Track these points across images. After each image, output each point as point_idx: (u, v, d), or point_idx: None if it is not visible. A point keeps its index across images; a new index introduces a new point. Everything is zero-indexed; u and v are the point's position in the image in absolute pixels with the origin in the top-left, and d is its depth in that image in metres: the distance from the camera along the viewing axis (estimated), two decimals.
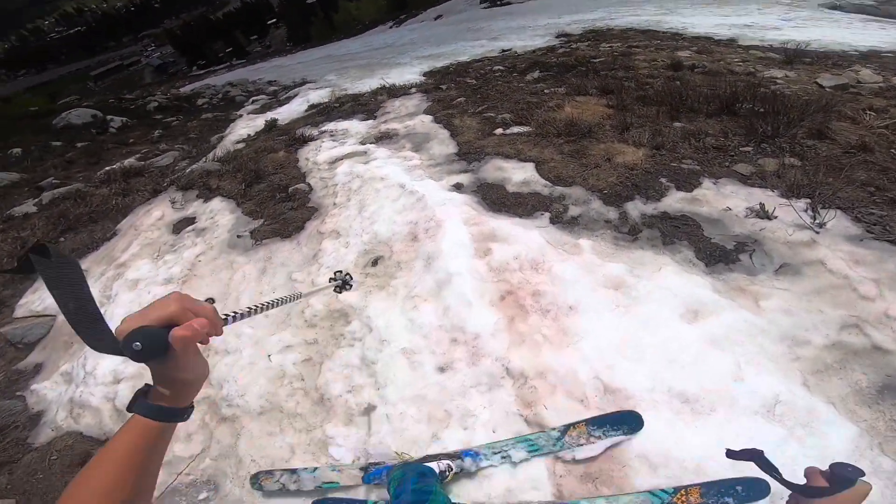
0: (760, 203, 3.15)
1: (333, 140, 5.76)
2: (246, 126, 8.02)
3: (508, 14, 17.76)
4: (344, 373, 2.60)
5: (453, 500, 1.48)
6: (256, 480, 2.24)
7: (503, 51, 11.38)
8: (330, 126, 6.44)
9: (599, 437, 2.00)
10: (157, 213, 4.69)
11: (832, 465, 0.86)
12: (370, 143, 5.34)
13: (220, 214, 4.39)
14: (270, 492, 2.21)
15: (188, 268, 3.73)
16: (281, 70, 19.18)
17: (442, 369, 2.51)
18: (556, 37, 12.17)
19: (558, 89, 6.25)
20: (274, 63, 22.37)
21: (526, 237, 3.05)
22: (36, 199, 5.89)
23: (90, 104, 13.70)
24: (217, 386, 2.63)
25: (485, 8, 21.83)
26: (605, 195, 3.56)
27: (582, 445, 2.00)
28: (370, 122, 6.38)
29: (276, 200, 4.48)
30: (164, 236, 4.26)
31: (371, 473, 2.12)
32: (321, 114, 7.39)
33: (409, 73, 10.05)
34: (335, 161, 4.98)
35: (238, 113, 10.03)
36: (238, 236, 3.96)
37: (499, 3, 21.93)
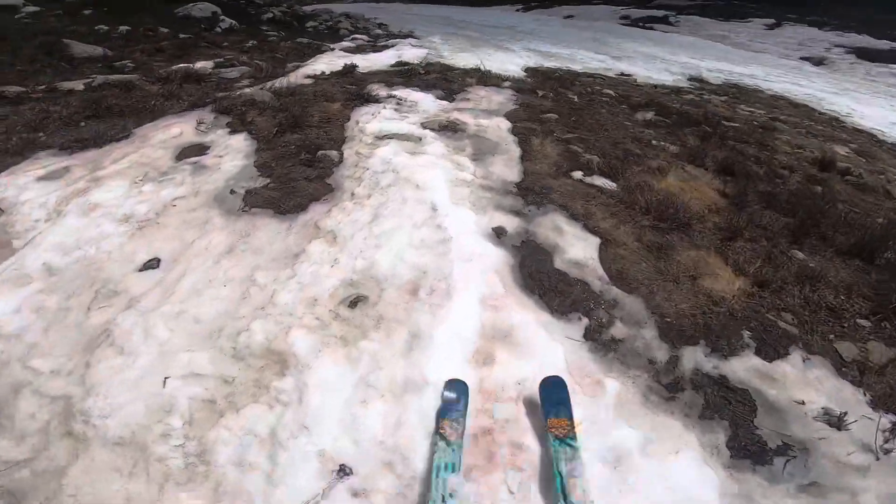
0: (843, 412, 2.15)
1: (396, 110, 4.95)
2: (328, 62, 7.33)
3: (647, 38, 16.00)
4: (243, 439, 1.88)
5: None
6: None
7: (622, 74, 10.06)
8: (402, 93, 5.63)
9: None
10: (176, 130, 4.09)
11: None
12: (430, 130, 4.48)
13: (231, 155, 3.73)
14: None
15: (157, 210, 3.09)
16: (397, 16, 18.38)
17: (356, 494, 1.74)
18: (689, 79, 10.64)
19: (669, 145, 5.11)
20: (394, 6, 21.60)
21: (545, 353, 2.17)
22: (88, 80, 5.48)
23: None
24: (85, 391, 1.98)
25: (624, 24, 19.93)
26: (666, 325, 2.57)
27: None
28: (445, 103, 5.50)
29: (298, 161, 3.75)
30: (162, 159, 3.65)
31: None
32: (402, 75, 6.57)
33: (512, 64, 9.00)
34: (383, 137, 4.18)
35: (331, 46, 9.36)
36: (231, 191, 3.27)
37: (642, 24, 19.94)
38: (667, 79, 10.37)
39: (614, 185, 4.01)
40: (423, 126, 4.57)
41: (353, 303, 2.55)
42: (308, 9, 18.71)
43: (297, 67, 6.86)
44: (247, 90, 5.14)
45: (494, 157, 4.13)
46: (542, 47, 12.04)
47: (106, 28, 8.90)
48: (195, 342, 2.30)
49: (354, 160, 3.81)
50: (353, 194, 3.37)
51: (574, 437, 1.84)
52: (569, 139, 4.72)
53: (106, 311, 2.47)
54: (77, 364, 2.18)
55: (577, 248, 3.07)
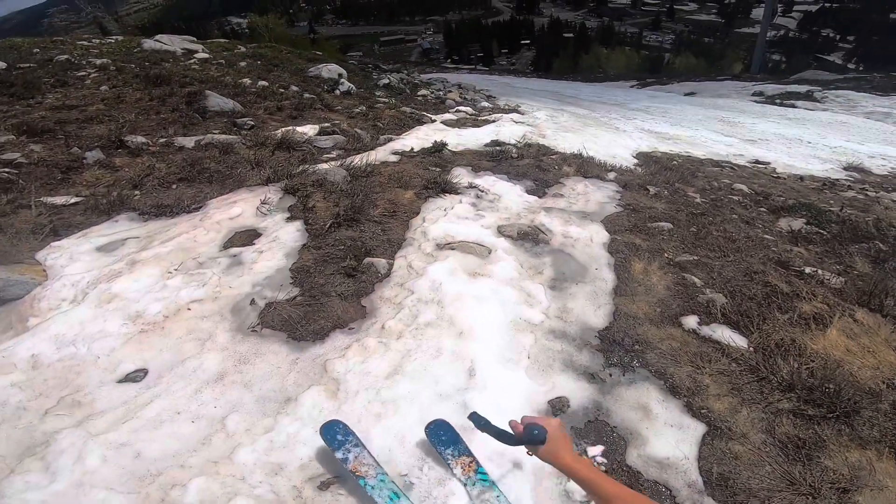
0: None
1: (474, 205, 4.25)
2: (422, 137, 7.07)
3: (786, 118, 13.73)
4: None
5: None
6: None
7: (757, 162, 8.36)
8: (487, 181, 4.95)
9: None
10: (237, 210, 3.83)
11: (525, 423, 1.16)
12: (505, 238, 3.66)
13: (274, 251, 3.27)
14: None
15: (169, 312, 2.64)
16: (508, 89, 18.53)
17: None
18: (845, 168, 8.53)
19: (829, 276, 3.62)
20: (507, 79, 21.97)
21: None
22: (200, 137, 5.79)
23: (342, 62, 14.90)
24: None
25: (757, 102, 17.60)
26: None
27: None
28: (533, 198, 4.68)
29: (341, 269, 3.15)
30: (208, 245, 3.32)
31: None
32: (493, 157, 5.94)
33: (622, 147, 7.94)
34: (444, 246, 3.46)
35: (433, 118, 9.27)
36: (252, 301, 2.75)
37: (779, 102, 17.39)
38: (815, 168, 8.40)
39: (744, 341, 2.75)
40: (499, 231, 3.77)
41: (325, 485, 1.78)
42: (425, 77, 19.71)
43: (389, 140, 6.64)
44: (324, 166, 4.89)
45: (578, 287, 3.14)
46: (657, 127, 10.80)
47: (248, 82, 9.88)
48: (122, 481, 1.76)
49: (403, 276, 3.10)
50: (383, 328, 2.63)
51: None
52: (684, 263, 3.54)
53: (58, 421, 2.04)
54: (2, 468, 1.84)
55: (667, 440, 2.04)
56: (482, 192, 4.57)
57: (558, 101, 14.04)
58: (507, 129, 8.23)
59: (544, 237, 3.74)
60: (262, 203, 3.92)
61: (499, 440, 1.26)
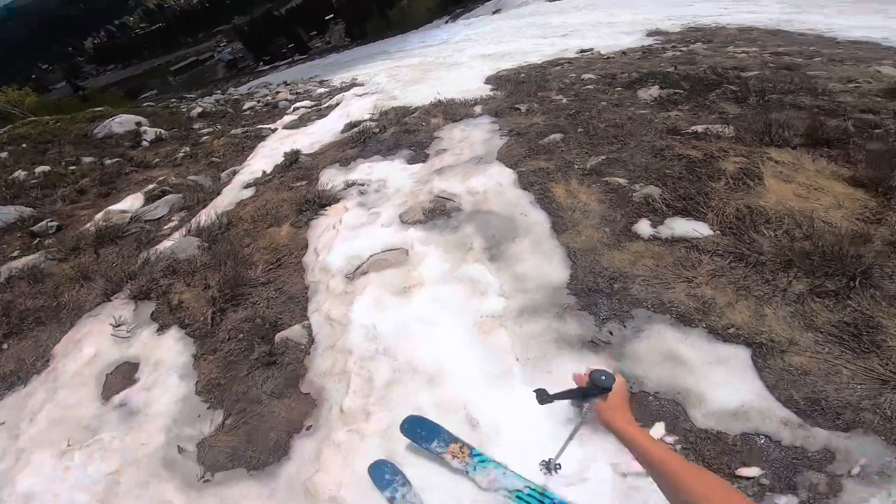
0: None
1: (362, 205, 3.37)
2: (269, 153, 5.77)
3: (578, 8, 14.24)
4: None
5: None
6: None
7: (582, 51, 8.37)
8: (362, 169, 4.05)
9: None
10: (90, 350, 2.56)
11: (591, 371, 1.02)
12: (414, 228, 2.90)
13: (163, 379, 2.18)
14: None
15: (101, 497, 1.62)
16: (336, 67, 16.85)
17: None
18: (649, 34, 8.94)
19: (717, 128, 3.47)
20: (330, 59, 20.03)
21: None
22: None
23: (136, 108, 12.05)
24: None
25: (551, 1, 18.08)
26: None
27: None
28: (418, 167, 3.90)
29: (254, 362, 2.18)
30: (85, 405, 2.12)
31: None
32: (356, 142, 4.98)
33: (470, 79, 7.37)
34: (355, 273, 2.60)
35: (272, 127, 7.77)
36: (179, 449, 1.76)
37: None
38: (627, 42, 8.66)
39: (706, 226, 2.41)
40: (403, 222, 2.98)
41: None
42: (243, 89, 17.18)
43: (234, 174, 5.28)
44: (167, 243, 3.57)
45: (517, 245, 2.53)
46: (488, 50, 10.40)
47: (23, 174, 7.34)
48: None
49: (328, 337, 2.21)
50: (342, 411, 1.80)
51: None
52: (597, 168, 3.11)
53: None
54: None
55: (721, 383, 1.67)
56: (363, 185, 3.68)
57: (390, 59, 12.99)
58: (355, 107, 7.17)
59: (453, 204, 3.04)
60: (115, 327, 2.65)
61: (570, 400, 1.09)
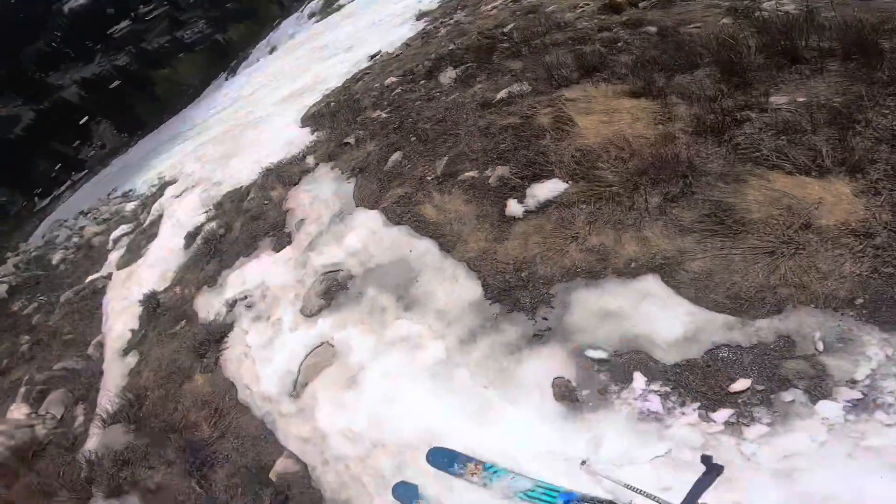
0: None
1: (258, 319, 3.04)
2: (121, 307, 4.84)
3: (347, 17, 14.27)
4: None
5: None
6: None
7: (372, 57, 8.48)
8: (235, 282, 3.63)
9: None
10: None
11: None
12: (321, 318, 2.72)
13: None
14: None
15: None
16: (131, 171, 14.58)
17: None
18: (418, 18, 9.37)
19: (514, 87, 3.85)
20: (118, 164, 17.24)
21: None
22: None
23: None
24: None
25: (317, 21, 17.71)
26: None
27: None
28: (287, 251, 3.62)
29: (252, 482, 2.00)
30: None
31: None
32: (209, 254, 4.41)
33: (285, 130, 6.98)
34: (296, 388, 2.38)
35: (103, 275, 6.48)
36: None
37: (329, 9, 17.86)
38: (405, 32, 8.83)
39: (559, 182, 2.69)
40: (308, 316, 2.77)
41: None
42: (37, 239, 14.05)
43: (101, 346, 4.31)
44: (94, 439, 2.98)
45: (421, 283, 2.54)
46: (286, 90, 9.94)
47: None
48: None
49: (317, 455, 2.07)
50: None
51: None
52: (448, 171, 3.22)
53: None
54: None
55: (660, 315, 1.94)
56: (245, 297, 3.30)
57: (189, 140, 11.65)
58: (182, 211, 6.31)
59: (344, 274, 2.91)
60: None
61: None
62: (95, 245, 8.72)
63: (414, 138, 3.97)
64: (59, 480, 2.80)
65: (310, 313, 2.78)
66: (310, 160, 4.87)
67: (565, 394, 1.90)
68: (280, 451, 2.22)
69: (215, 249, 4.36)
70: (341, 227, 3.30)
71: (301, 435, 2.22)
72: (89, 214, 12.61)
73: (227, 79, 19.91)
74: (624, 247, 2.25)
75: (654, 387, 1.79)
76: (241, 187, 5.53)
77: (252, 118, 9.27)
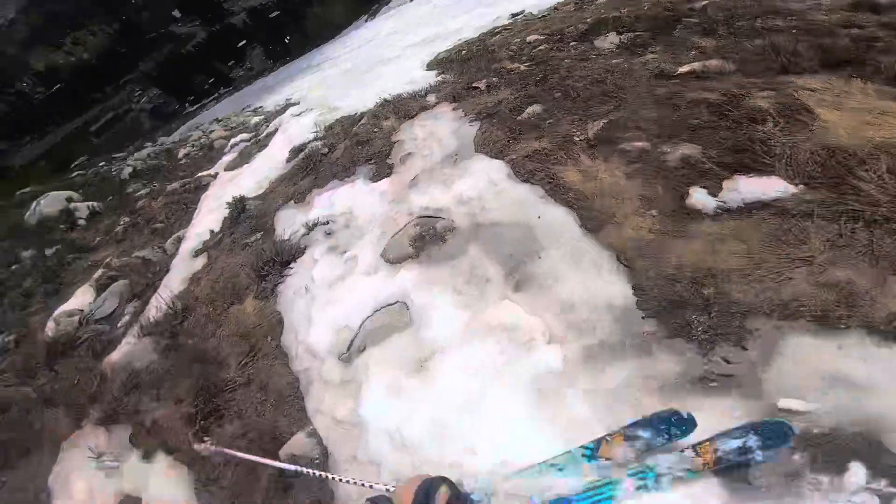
0: None
1: (333, 249, 2.62)
2: (214, 206, 4.86)
3: None
4: None
5: None
6: None
7: (514, 15, 7.61)
8: (323, 203, 3.26)
9: None
10: (83, 487, 2.04)
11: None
12: (404, 268, 2.18)
13: None
14: None
15: None
16: (265, 91, 15.56)
17: None
18: None
19: (712, 63, 2.84)
20: (258, 85, 18.55)
21: None
22: None
23: (64, 182, 10.66)
24: None
25: None
26: None
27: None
28: (385, 183, 3.14)
29: (266, 490, 1.58)
30: None
31: None
32: (306, 170, 4.15)
33: (411, 70, 6.54)
34: (350, 352, 1.88)
35: (212, 172, 6.77)
36: None
37: None
38: (539, 3, 7.93)
39: (781, 181, 1.80)
40: (389, 261, 2.26)
41: None
42: (175, 136, 15.70)
43: (180, 240, 4.38)
44: (124, 348, 2.78)
45: (545, 260, 1.86)
46: (419, 37, 9.51)
47: None
48: None
49: (344, 446, 1.56)
50: None
51: None
52: (604, 135, 2.44)
53: None
54: None
55: None
56: (327, 223, 2.91)
57: (319, 71, 11.93)
58: (296, 128, 6.25)
59: (444, 223, 2.33)
60: (97, 459, 2.08)
61: None
62: (216, 147, 9.27)
63: (559, 94, 3.19)
64: (68, 391, 2.69)
65: (393, 259, 2.25)
66: (431, 98, 4.32)
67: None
68: (302, 424, 1.74)
69: (313, 167, 4.06)
70: (454, 170, 2.70)
71: (335, 414, 1.71)
72: (221, 122, 13.73)
73: (366, 21, 20.23)
74: (887, 293, 1.35)
75: (877, 485, 1.00)
76: (356, 114, 5.22)
77: (381, 58, 9.02)
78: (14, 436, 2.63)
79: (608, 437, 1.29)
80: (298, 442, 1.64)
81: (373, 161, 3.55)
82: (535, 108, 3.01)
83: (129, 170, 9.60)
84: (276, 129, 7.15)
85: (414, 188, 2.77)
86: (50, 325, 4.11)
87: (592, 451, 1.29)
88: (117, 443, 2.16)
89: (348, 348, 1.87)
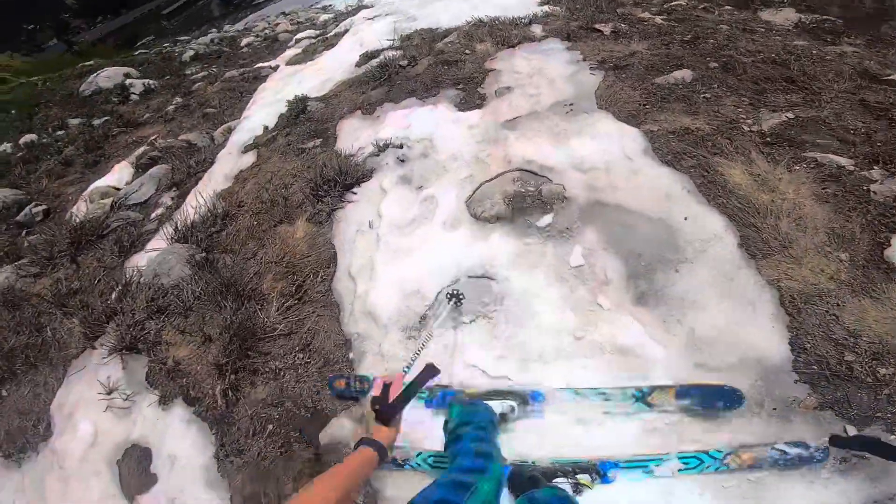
0: None
1: (405, 182, 2.11)
2: (271, 100, 4.27)
3: None
4: None
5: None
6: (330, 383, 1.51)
7: None
8: (397, 122, 2.69)
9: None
10: (88, 428, 1.72)
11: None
12: (496, 231, 1.70)
13: (190, 482, 1.39)
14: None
15: None
16: None
17: None
18: None
19: None
20: None
21: None
22: None
23: (127, 58, 9.92)
24: None
25: None
26: None
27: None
28: (473, 115, 2.54)
29: (299, 473, 1.27)
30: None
31: (433, 400, 1.36)
32: (379, 80, 3.50)
33: None
34: (415, 325, 1.47)
35: (273, 64, 6.00)
36: None
37: None
38: None
39: None
40: (475, 215, 1.75)
41: None
42: (240, 25, 14.50)
43: (230, 131, 3.86)
44: (153, 253, 2.37)
45: (683, 276, 1.36)
46: None
47: (9, 147, 5.95)
48: None
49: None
50: None
51: None
52: (786, 133, 1.79)
53: None
54: None
55: None
56: (401, 146, 2.38)
57: None
58: (368, 33, 5.40)
59: (551, 188, 1.80)
60: (107, 394, 1.71)
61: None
62: (280, 40, 8.37)
63: (716, 64, 2.44)
64: (86, 295, 2.30)
65: (482, 215, 1.76)
66: (536, 29, 3.51)
67: None
68: (348, 404, 1.38)
69: (388, 78, 3.40)
70: (569, 123, 2.09)
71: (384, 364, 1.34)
72: (289, 15, 12.51)
73: None
74: None
75: None
76: (439, 29, 4.40)
77: None
78: (23, 342, 2.28)
79: (661, 388, 1.22)
80: (342, 428, 1.30)
81: (461, 86, 2.90)
82: (684, 75, 2.30)
83: (191, 52, 8.82)
84: (346, 31, 6.26)
85: (514, 131, 2.19)
86: (81, 203, 3.77)
87: (641, 396, 1.23)
88: (132, 378, 1.82)
89: (420, 322, 1.46)
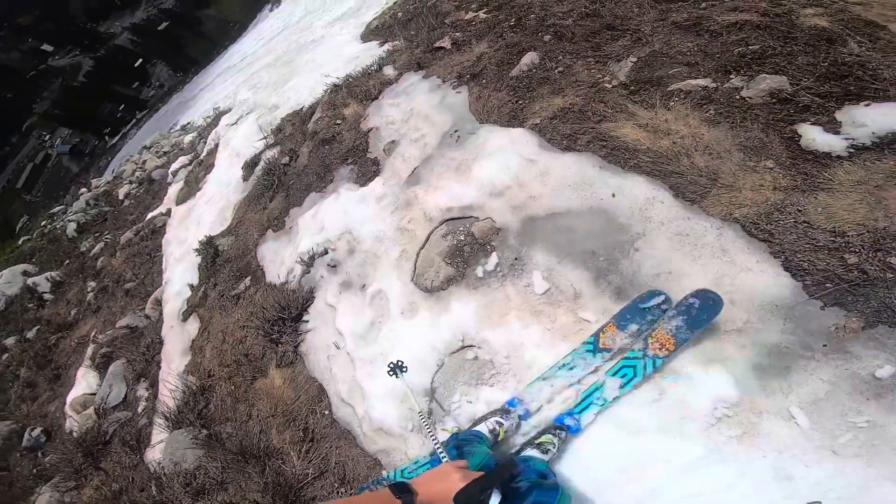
0: None
1: (347, 287, 1.91)
2: (180, 253, 3.89)
3: None
4: None
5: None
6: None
7: None
8: (309, 230, 2.48)
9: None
10: None
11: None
12: (457, 299, 1.53)
13: None
14: None
15: None
16: (187, 106, 13.37)
17: None
18: None
19: None
20: (176, 101, 15.87)
21: None
22: None
23: (13, 253, 8.82)
24: None
25: None
26: None
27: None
28: (377, 186, 2.38)
29: None
30: None
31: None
32: (272, 187, 3.26)
33: (345, 47, 5.44)
34: (428, 420, 1.31)
35: (163, 211, 5.53)
36: None
37: None
38: None
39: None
40: (425, 289, 1.60)
41: None
42: (107, 175, 13.46)
43: (159, 304, 3.40)
44: (158, 447, 2.11)
45: (647, 253, 1.30)
46: (339, 10, 8.16)
47: None
48: None
49: None
50: None
51: None
52: (644, 76, 1.78)
53: None
54: None
55: None
56: (326, 252, 2.18)
57: (239, 71, 10.16)
58: (239, 140, 5.12)
59: (483, 225, 1.69)
60: None
61: None
62: (156, 179, 7.77)
63: (549, 37, 2.48)
64: (128, 492, 1.98)
65: (431, 286, 1.62)
66: (389, 71, 3.44)
67: None
68: None
69: (279, 182, 3.18)
70: (462, 152, 2.00)
71: None
72: (152, 148, 11.71)
73: (271, 10, 17.42)
74: None
75: None
76: (303, 108, 4.23)
77: (304, 41, 7.64)
78: None
79: (603, 329, 1.24)
80: None
81: (350, 160, 2.75)
82: (531, 58, 2.30)
83: (73, 225, 7.94)
84: (216, 145, 5.91)
85: (419, 185, 2.07)
86: (69, 419, 3.36)
87: (594, 345, 1.24)
88: None
89: (419, 417, 1.29)
